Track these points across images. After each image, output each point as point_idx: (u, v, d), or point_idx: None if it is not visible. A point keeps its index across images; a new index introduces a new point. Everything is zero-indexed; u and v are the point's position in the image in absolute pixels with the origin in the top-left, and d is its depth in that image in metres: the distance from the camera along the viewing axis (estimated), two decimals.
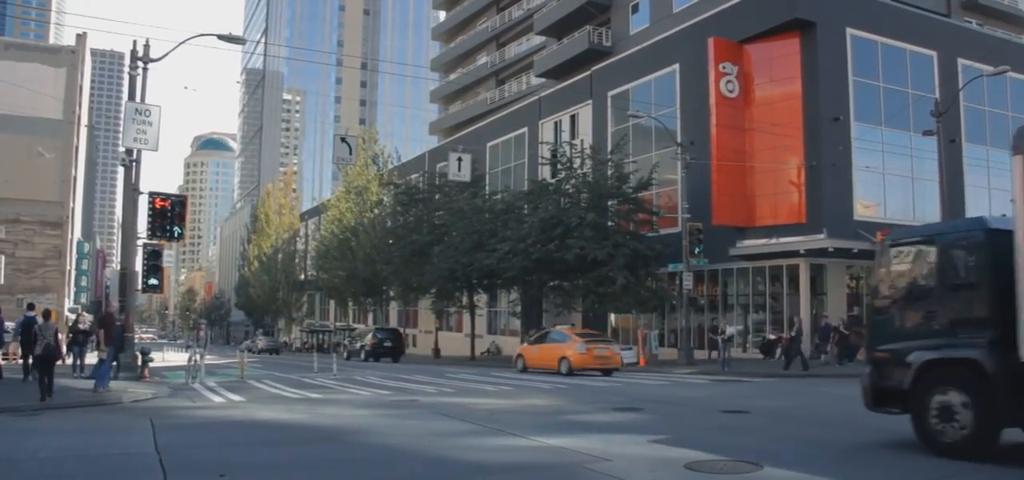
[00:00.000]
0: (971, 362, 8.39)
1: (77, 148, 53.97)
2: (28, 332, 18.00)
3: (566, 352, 25.27)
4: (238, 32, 31.92)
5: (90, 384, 18.08)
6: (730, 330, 28.52)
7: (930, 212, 29.58)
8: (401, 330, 48.49)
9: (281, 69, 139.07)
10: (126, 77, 22.80)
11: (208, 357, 27.66)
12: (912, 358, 8.93)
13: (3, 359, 29.75)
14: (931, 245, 9.36)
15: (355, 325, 63.01)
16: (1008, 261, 8.08)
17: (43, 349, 15.46)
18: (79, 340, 24.18)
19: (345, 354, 38.56)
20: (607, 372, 25.20)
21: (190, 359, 23.76)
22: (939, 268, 9.12)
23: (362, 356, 39.39)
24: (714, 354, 26.99)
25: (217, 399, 17.21)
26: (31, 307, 18.77)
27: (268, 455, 9.56)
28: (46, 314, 16.57)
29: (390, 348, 39.71)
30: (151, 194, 20.33)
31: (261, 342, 63.00)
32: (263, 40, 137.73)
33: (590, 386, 19.89)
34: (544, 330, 31.06)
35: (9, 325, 32.55)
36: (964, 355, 8.50)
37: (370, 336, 41.67)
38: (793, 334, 25.46)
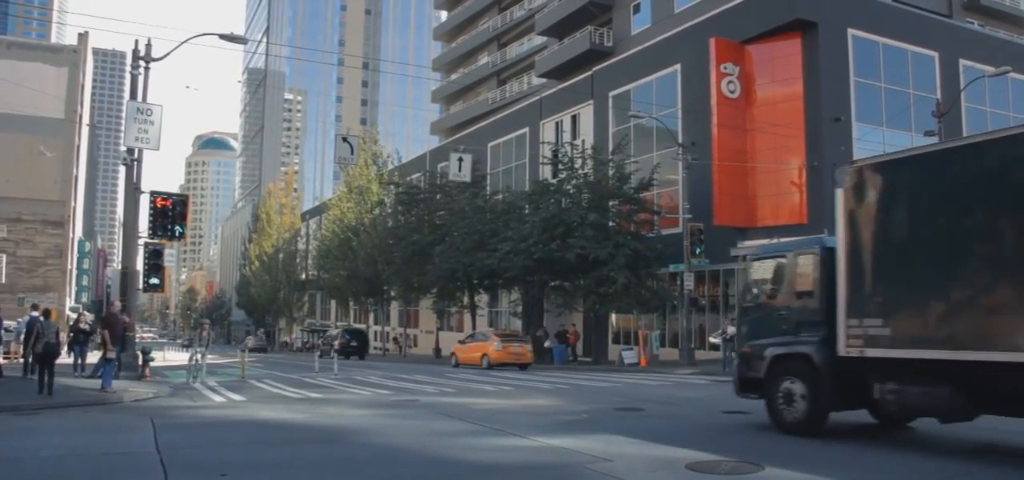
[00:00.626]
0: (806, 356, 10.40)
1: (79, 147, 53.99)
2: (31, 332, 18.52)
3: (486, 349, 29.53)
4: (240, 32, 31.95)
5: (91, 383, 18.13)
6: (731, 330, 28.48)
7: None
8: (366, 329, 55.06)
9: (282, 69, 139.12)
10: (128, 76, 22.81)
11: (209, 357, 27.64)
12: (767, 353, 10.99)
13: (3, 358, 29.74)
14: (782, 259, 11.38)
15: (326, 323, 64.65)
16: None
17: (44, 346, 16.13)
18: (80, 339, 24.22)
19: (318, 353, 42.11)
20: (522, 366, 28.86)
21: (191, 358, 23.72)
22: (787, 279, 11.11)
23: (331, 355, 41.66)
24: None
25: (218, 399, 17.23)
26: (35, 307, 19.26)
27: (269, 455, 9.56)
28: (46, 313, 17.02)
29: (356, 347, 45.98)
30: (152, 193, 20.32)
31: (251, 342, 65.42)
32: (264, 40, 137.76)
33: (591, 386, 19.89)
34: (472, 332, 35.34)
35: (9, 324, 32.68)
36: (801, 350, 10.51)
37: (339, 337, 47.30)
38: None
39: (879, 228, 9.65)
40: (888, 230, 9.57)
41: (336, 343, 44.82)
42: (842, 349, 9.82)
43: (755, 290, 11.90)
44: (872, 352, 9.49)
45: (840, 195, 10.07)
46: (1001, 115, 33.63)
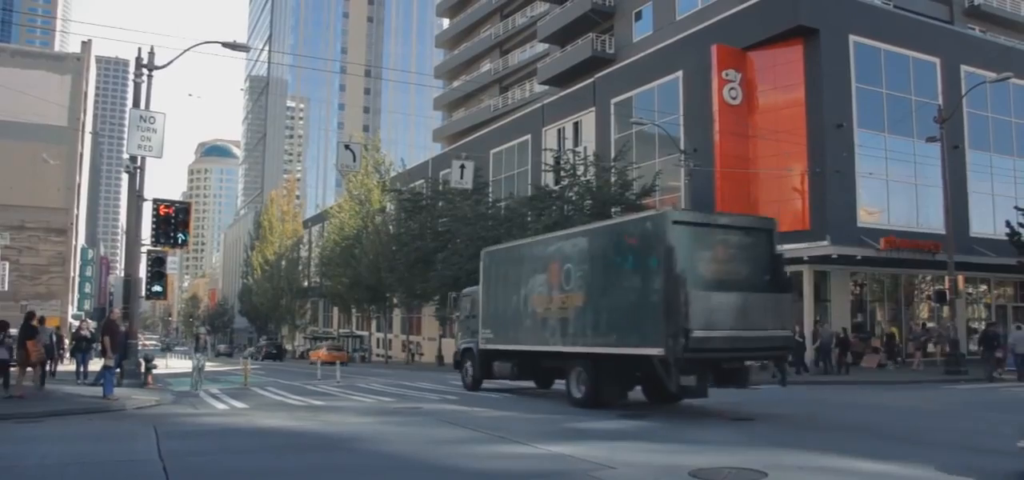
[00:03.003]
0: (470, 349, 20.49)
1: (81, 155, 54.16)
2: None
3: (320, 354, 48.77)
4: (242, 39, 32.12)
5: (93, 391, 18.14)
6: None
7: (933, 218, 29.52)
8: (282, 341, 75.10)
9: (285, 76, 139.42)
10: (131, 84, 22.85)
11: (212, 364, 27.69)
12: (461, 347, 21.48)
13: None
14: (467, 296, 21.71)
15: (328, 331, 69.03)
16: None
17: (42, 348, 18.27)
18: (82, 347, 24.26)
19: (248, 357, 58.31)
20: (344, 363, 46.34)
21: (195, 366, 23.84)
22: (470, 305, 21.11)
23: (259, 359, 61.02)
24: None
25: (221, 406, 17.23)
26: (42, 321, 20.41)
27: (271, 462, 9.56)
28: (41, 319, 18.56)
29: (275, 354, 65.18)
30: (155, 201, 20.35)
31: (222, 347, 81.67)
32: (267, 47, 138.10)
33: None
34: (320, 345, 58.21)
35: (13, 331, 32.62)
36: (470, 345, 20.62)
37: (264, 347, 68.28)
38: None
39: (488, 282, 19.50)
40: (490, 283, 19.39)
41: (262, 351, 66.41)
42: (481, 345, 19.63)
43: (459, 311, 22.55)
44: (489, 346, 19.25)
45: (482, 270, 19.81)
46: (1003, 121, 33.64)
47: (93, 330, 27.39)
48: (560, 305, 16.32)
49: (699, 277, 13.76)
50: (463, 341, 21.40)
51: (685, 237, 13.93)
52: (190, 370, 26.21)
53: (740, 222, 15.91)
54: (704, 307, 13.29)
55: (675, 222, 13.95)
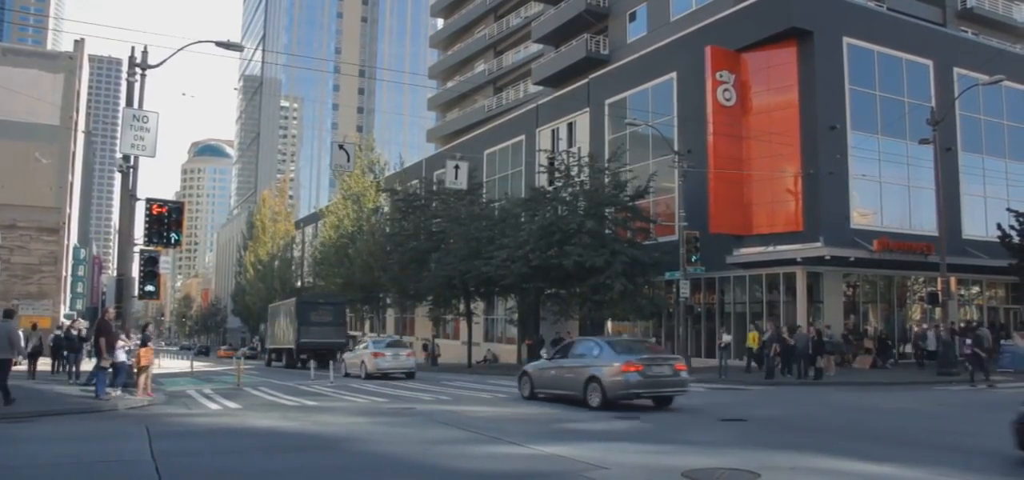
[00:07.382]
0: (269, 349, 48.34)
1: (74, 154, 53.93)
2: (58, 346, 24.18)
3: (221, 352, 69.86)
4: (236, 39, 32.17)
5: (85, 391, 18.06)
6: (727, 338, 28.48)
7: (926, 220, 29.64)
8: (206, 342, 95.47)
9: (279, 76, 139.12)
10: (124, 83, 22.75)
11: (203, 364, 27.48)
12: (265, 347, 54.80)
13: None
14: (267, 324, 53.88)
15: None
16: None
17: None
18: (75, 346, 24.14)
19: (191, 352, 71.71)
20: (234, 359, 61.00)
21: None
22: (269, 329, 50.09)
23: (194, 352, 69.51)
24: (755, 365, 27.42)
25: (213, 406, 17.18)
26: (60, 327, 20.69)
27: (264, 463, 9.54)
28: (9, 313, 15.70)
29: (206, 351, 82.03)
30: (148, 200, 20.22)
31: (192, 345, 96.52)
32: (261, 47, 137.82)
33: None
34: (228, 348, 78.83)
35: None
36: (268, 348, 49.49)
37: (197, 346, 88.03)
38: (765, 340, 25.49)
39: (271, 317, 47.99)
40: (271, 318, 47.80)
41: (195, 348, 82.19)
42: (267, 346, 49.26)
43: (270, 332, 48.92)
44: (271, 347, 46.84)
45: (268, 310, 52.11)
46: (995, 123, 33.80)
47: (84, 330, 27.26)
48: (283, 328, 41.70)
49: (308, 319, 38.56)
50: (271, 344, 46.09)
51: (304, 305, 39.86)
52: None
53: (331, 299, 42.71)
54: (308, 330, 38.21)
55: (300, 301, 41.05)
